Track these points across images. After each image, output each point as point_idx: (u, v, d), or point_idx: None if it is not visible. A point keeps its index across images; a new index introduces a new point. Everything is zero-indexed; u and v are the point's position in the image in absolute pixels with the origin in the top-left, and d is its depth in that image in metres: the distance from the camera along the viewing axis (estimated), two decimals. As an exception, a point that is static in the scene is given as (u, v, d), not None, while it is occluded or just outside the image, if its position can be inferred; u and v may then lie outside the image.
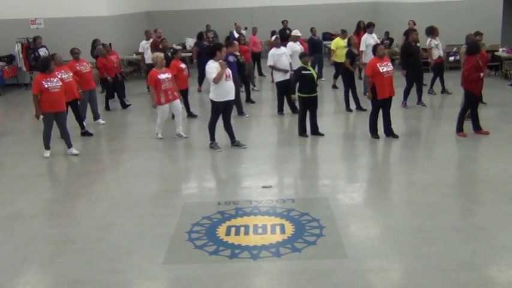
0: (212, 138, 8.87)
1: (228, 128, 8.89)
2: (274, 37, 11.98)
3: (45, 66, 8.57)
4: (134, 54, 16.67)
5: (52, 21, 15.72)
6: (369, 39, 12.48)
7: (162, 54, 9.70)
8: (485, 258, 5.00)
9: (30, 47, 15.28)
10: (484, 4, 15.92)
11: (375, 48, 9.33)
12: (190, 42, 18.41)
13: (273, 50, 11.20)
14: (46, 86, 8.44)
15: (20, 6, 15.56)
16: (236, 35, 15.09)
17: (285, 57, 11.08)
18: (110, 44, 13.60)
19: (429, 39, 12.23)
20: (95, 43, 13.92)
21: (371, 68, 8.90)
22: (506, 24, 16.03)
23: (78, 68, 10.38)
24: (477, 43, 9.13)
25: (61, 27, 15.60)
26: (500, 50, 14.37)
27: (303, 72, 9.22)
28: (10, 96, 15.06)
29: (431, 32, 12.24)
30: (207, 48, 10.45)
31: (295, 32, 12.49)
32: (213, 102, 8.65)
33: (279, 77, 11.07)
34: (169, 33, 17.02)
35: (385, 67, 8.83)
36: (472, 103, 9.00)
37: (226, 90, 8.53)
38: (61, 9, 15.57)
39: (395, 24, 17.14)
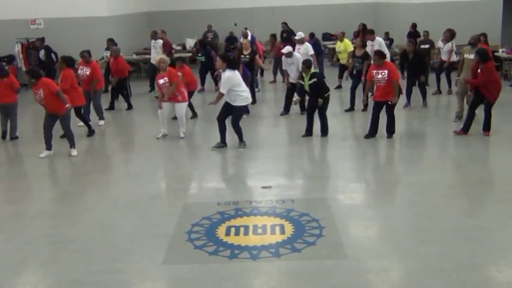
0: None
1: (236, 130, 8.92)
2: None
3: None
4: (134, 55, 16.68)
5: (52, 21, 15.71)
6: (368, 47, 11.89)
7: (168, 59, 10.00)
8: (485, 259, 5.00)
9: (30, 47, 15.28)
10: (484, 4, 15.93)
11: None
12: (190, 42, 18.42)
13: (284, 58, 11.02)
14: (34, 94, 8.56)
15: (20, 6, 15.55)
16: (242, 40, 14.97)
17: (294, 67, 10.78)
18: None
19: (451, 42, 12.23)
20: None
21: (368, 73, 9.34)
22: (506, 24, 16.02)
23: (80, 72, 10.47)
24: (487, 50, 9.16)
25: (61, 27, 15.59)
26: (500, 50, 14.34)
27: (302, 83, 9.56)
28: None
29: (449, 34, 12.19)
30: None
31: (299, 35, 12.24)
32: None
33: (292, 77, 10.92)
34: (169, 33, 16.98)
35: (380, 75, 8.96)
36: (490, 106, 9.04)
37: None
38: (61, 9, 15.56)
39: (396, 25, 17.16)
